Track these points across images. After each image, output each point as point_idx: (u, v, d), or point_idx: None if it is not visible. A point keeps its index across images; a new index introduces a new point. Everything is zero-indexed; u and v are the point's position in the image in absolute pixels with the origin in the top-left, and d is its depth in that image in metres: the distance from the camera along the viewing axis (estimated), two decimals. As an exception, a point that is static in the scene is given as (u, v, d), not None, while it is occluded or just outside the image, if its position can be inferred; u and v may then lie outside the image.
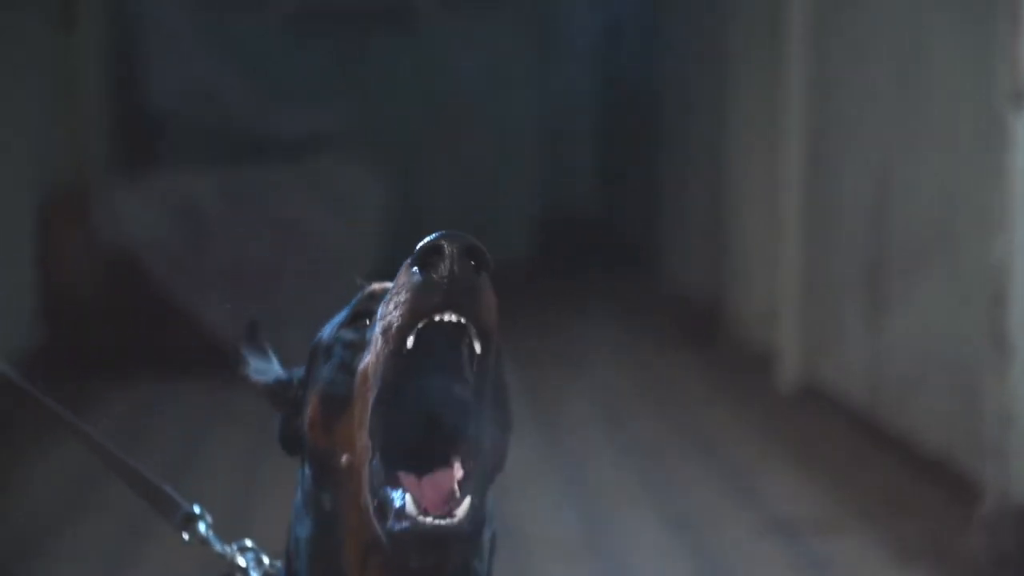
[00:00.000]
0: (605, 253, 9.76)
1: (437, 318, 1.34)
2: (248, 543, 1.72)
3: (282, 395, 1.58)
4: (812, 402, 5.85)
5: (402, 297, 1.36)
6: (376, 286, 1.51)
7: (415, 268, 1.35)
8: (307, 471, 1.50)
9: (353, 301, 1.52)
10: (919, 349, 4.89)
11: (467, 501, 1.36)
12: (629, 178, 10.00)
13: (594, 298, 8.66)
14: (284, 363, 1.68)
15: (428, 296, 1.34)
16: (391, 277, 1.41)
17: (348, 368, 1.45)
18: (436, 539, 1.34)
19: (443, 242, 1.35)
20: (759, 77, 6.58)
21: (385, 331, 1.37)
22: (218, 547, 1.73)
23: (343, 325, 1.50)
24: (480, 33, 9.28)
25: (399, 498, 1.34)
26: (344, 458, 1.42)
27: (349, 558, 1.44)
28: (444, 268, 1.34)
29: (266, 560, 1.70)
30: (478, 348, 1.37)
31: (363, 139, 8.13)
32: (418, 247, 1.35)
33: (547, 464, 5.07)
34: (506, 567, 4.21)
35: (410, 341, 1.35)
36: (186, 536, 1.77)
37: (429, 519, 1.33)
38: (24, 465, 5.00)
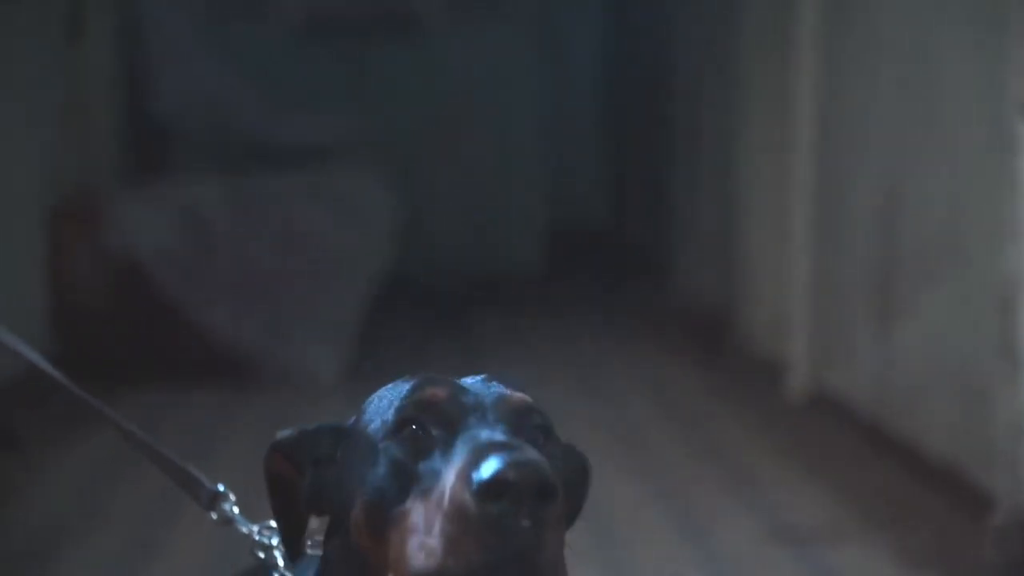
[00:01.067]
0: (613, 262, 9.77)
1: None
2: (273, 523, 1.72)
3: (313, 445, 1.52)
4: (821, 410, 5.84)
5: (457, 527, 1.30)
6: (428, 391, 1.45)
7: (476, 495, 1.29)
8: (350, 544, 1.45)
9: (403, 397, 1.46)
10: (928, 358, 4.89)
11: None
12: (637, 187, 10.00)
13: (602, 307, 8.67)
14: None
15: (488, 533, 1.28)
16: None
17: (393, 490, 1.39)
18: None
19: (509, 475, 1.28)
20: (769, 87, 6.59)
21: (441, 549, 1.31)
22: (243, 526, 1.75)
23: (390, 433, 1.44)
24: (486, 41, 9.29)
25: None
26: (391, 573, 1.39)
27: None
28: (510, 509, 1.28)
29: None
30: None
31: (370, 147, 8.14)
32: (483, 473, 1.29)
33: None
34: None
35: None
36: (213, 515, 1.79)
37: None
38: (36, 471, 5.00)
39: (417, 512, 1.35)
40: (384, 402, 1.48)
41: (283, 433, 1.55)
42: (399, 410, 1.44)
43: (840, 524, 4.45)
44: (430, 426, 1.41)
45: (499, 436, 1.36)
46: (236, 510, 1.79)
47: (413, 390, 1.45)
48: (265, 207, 6.89)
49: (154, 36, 7.88)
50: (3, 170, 6.09)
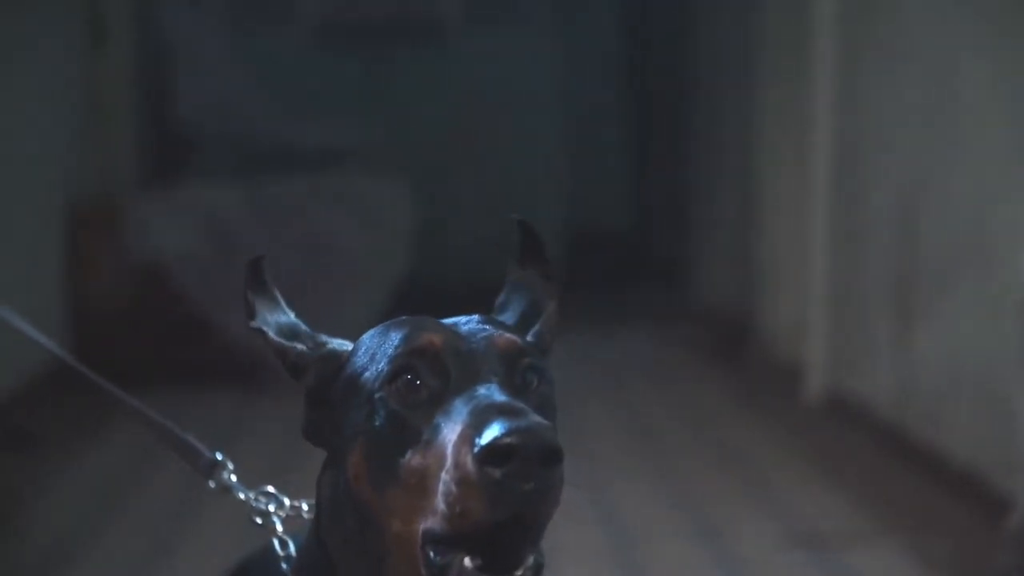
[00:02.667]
0: (632, 266, 9.76)
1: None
2: (270, 488, 1.74)
3: (302, 367, 1.53)
4: (840, 415, 5.83)
5: (462, 492, 1.31)
6: (423, 339, 1.44)
7: (479, 460, 1.30)
8: (346, 490, 1.46)
9: (395, 346, 1.46)
10: (948, 362, 4.87)
11: (530, 560, 1.36)
12: (657, 191, 9.99)
13: (621, 311, 8.66)
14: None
15: (496, 497, 1.30)
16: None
17: (392, 444, 1.40)
18: None
19: (512, 440, 1.29)
20: (788, 91, 6.57)
21: (448, 497, 1.32)
22: (241, 493, 1.76)
23: (384, 382, 1.43)
24: (505, 45, 9.29)
25: (456, 569, 1.33)
26: (395, 525, 1.39)
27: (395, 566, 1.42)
28: (514, 473, 1.30)
29: (287, 502, 1.73)
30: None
31: (389, 151, 8.14)
32: (486, 439, 1.30)
33: (571, 473, 5.06)
34: None
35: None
36: (212, 483, 1.80)
37: None
38: (53, 471, 5.02)
39: (418, 469, 1.36)
40: (375, 348, 1.47)
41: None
42: (393, 359, 1.43)
43: (858, 528, 4.44)
44: (425, 376, 1.41)
45: (498, 396, 1.37)
46: (234, 478, 1.81)
47: (406, 339, 1.44)
48: (284, 211, 6.90)
49: (175, 42, 7.90)
50: (25, 174, 6.12)
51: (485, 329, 1.49)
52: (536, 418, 1.34)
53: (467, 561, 1.32)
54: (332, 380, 1.49)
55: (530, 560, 1.35)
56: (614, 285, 9.40)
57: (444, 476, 1.32)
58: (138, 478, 5.04)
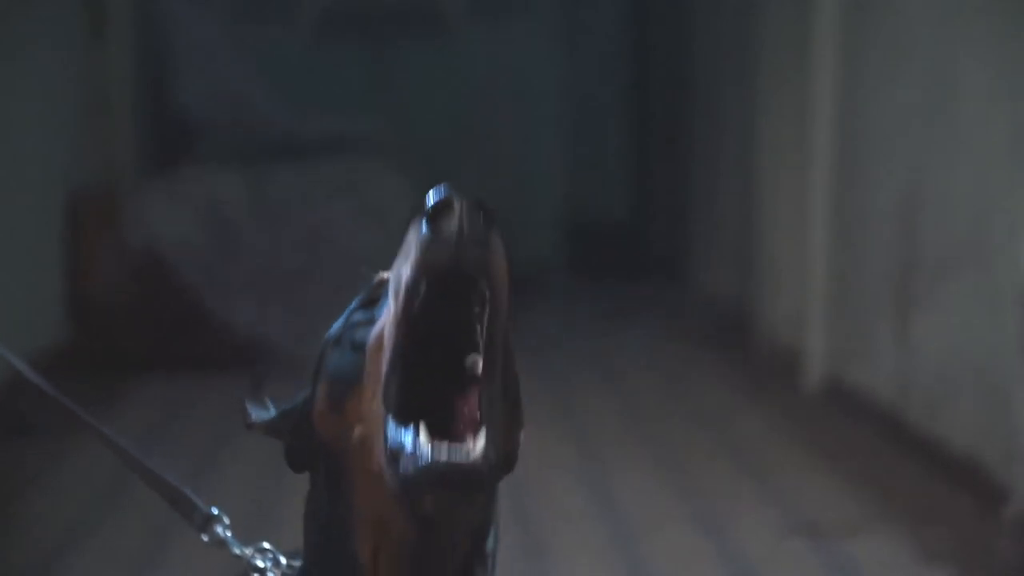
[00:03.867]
0: (633, 257, 9.76)
1: (448, 274, 1.32)
2: (266, 545, 1.73)
3: (286, 421, 1.56)
4: (839, 405, 5.83)
5: (411, 254, 1.34)
6: (384, 274, 1.48)
7: (423, 224, 1.33)
8: (318, 479, 1.47)
9: (361, 293, 1.51)
10: (948, 353, 4.88)
11: (483, 433, 1.32)
12: (657, 183, 9.99)
13: (622, 302, 8.67)
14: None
15: (438, 250, 1.32)
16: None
17: (358, 346, 1.43)
18: (452, 476, 1.30)
19: (451, 198, 1.33)
20: (789, 84, 6.57)
21: (396, 292, 1.35)
22: (236, 549, 1.75)
23: (349, 316, 1.48)
24: (508, 37, 9.28)
25: (411, 443, 1.31)
26: (356, 431, 1.40)
27: (363, 548, 1.42)
28: (453, 223, 1.32)
29: (283, 561, 1.71)
30: (488, 306, 1.34)
31: (390, 141, 8.14)
32: (426, 204, 1.34)
33: (573, 465, 5.07)
34: (529, 567, 4.24)
35: (421, 293, 1.33)
36: (205, 537, 1.79)
37: (444, 456, 1.30)
38: (52, 459, 5.02)
39: (373, 344, 1.38)
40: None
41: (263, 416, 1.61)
42: (357, 299, 1.49)
43: (858, 518, 4.45)
44: (382, 306, 1.43)
45: None
46: (228, 533, 1.79)
47: (367, 285, 1.49)
48: (285, 202, 6.90)
49: (175, 31, 7.90)
50: (25, 164, 6.12)
51: None
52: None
53: (422, 445, 1.30)
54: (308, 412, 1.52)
55: (483, 437, 1.31)
56: (615, 277, 9.41)
57: (395, 274, 1.36)
58: (128, 476, 5.04)
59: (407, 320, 1.34)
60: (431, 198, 1.33)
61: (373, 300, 1.47)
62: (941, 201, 4.98)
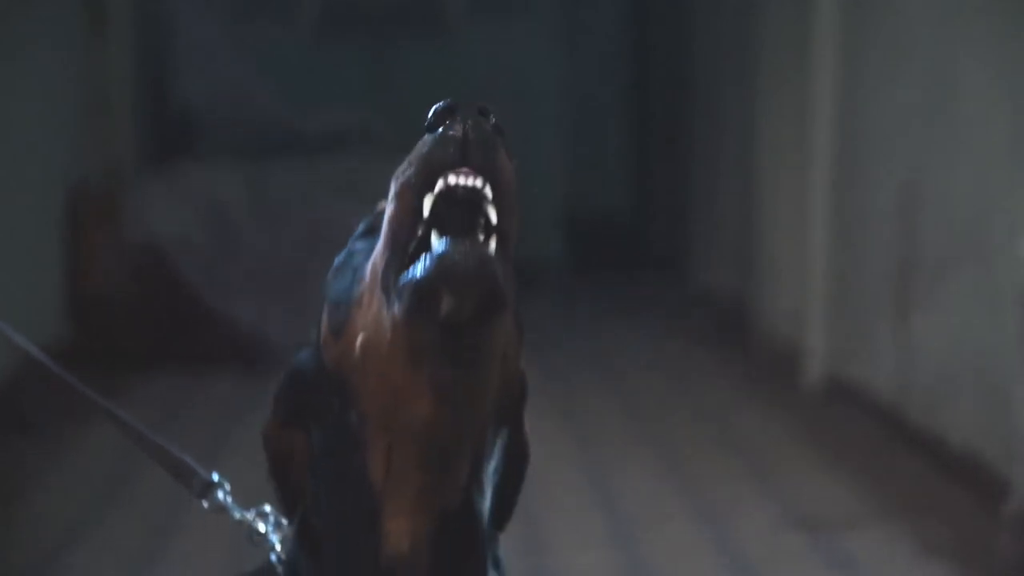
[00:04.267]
0: (633, 253, 9.77)
1: (453, 179, 1.32)
2: (267, 508, 1.74)
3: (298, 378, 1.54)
4: (839, 400, 5.83)
5: (417, 155, 1.35)
6: (384, 204, 1.47)
7: (430, 127, 1.35)
8: (324, 394, 1.46)
9: (364, 222, 1.52)
10: (947, 349, 4.88)
11: (494, 241, 1.33)
12: (657, 181, 10.00)
13: (621, 297, 8.67)
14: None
15: (443, 150, 1.33)
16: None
17: (360, 268, 1.42)
18: (468, 267, 1.29)
19: (456, 104, 1.34)
20: (789, 80, 6.57)
21: (400, 192, 1.35)
22: (236, 513, 1.76)
23: (352, 245, 1.50)
24: (508, 37, 9.29)
25: (424, 258, 1.31)
26: (359, 340, 1.39)
27: (374, 462, 1.42)
28: (458, 127, 1.33)
29: (285, 523, 1.73)
30: (495, 212, 1.34)
31: (390, 139, 8.14)
32: (432, 110, 1.35)
33: (573, 461, 5.07)
34: (529, 559, 4.23)
35: (427, 205, 1.32)
36: (205, 504, 1.80)
37: (462, 247, 1.30)
38: (52, 456, 5.02)
39: (372, 267, 1.39)
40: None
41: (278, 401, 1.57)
42: (360, 228, 1.51)
43: (857, 513, 4.45)
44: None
45: None
46: (229, 499, 1.80)
47: (372, 215, 1.50)
48: (285, 197, 6.90)
49: (176, 28, 7.90)
50: (25, 161, 6.12)
51: None
52: None
53: (433, 240, 1.31)
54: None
55: (493, 243, 1.32)
56: (615, 274, 9.41)
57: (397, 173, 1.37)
58: (137, 463, 5.04)
59: (411, 221, 1.33)
60: (436, 106, 1.35)
61: (374, 229, 1.46)
62: (941, 199, 4.98)
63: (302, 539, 1.53)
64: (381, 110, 8.42)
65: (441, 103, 1.35)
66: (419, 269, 1.30)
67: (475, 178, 1.32)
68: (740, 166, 7.47)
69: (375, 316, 1.37)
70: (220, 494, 1.80)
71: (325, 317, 1.46)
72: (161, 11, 7.86)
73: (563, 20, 9.61)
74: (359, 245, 1.48)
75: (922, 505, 4.48)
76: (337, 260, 1.50)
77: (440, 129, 1.34)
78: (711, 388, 6.35)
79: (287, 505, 1.56)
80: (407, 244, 1.34)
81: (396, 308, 1.33)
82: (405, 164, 1.37)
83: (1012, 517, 3.93)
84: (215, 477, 1.82)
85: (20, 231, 6.03)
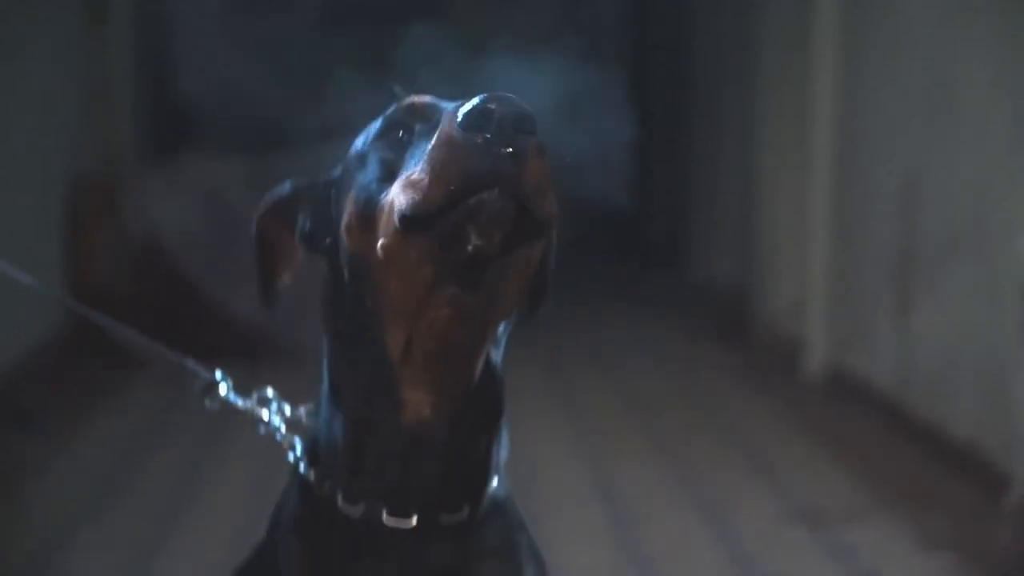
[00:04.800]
0: (633, 245, 9.76)
1: (486, 196, 1.34)
2: (269, 392, 1.78)
3: (308, 195, 1.66)
4: (840, 393, 5.84)
5: (444, 154, 1.35)
6: (416, 99, 1.54)
7: (462, 126, 1.34)
8: (342, 272, 1.53)
9: (388, 111, 1.55)
10: (948, 341, 4.88)
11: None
12: (657, 170, 9.99)
13: (622, 289, 8.66)
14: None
15: (474, 165, 1.34)
16: None
17: (382, 178, 1.47)
18: (497, 197, 1.34)
19: (491, 106, 1.34)
20: (790, 73, 6.56)
21: (436, 177, 1.36)
22: (241, 404, 1.80)
23: (376, 137, 1.53)
24: (509, 23, 9.28)
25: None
26: (384, 244, 1.43)
27: (393, 340, 1.48)
28: (492, 138, 1.34)
29: (288, 409, 1.77)
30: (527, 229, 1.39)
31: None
32: (467, 108, 1.34)
33: (573, 454, 5.07)
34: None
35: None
36: (208, 403, 1.84)
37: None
38: (51, 449, 5.02)
39: (404, 178, 1.41)
40: (368, 126, 1.59)
41: (278, 190, 1.68)
42: (384, 119, 1.55)
43: (858, 506, 4.45)
44: (414, 125, 1.50)
45: None
46: (232, 395, 1.85)
47: (397, 103, 1.56)
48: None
49: (176, 19, 7.89)
50: (25, 151, 6.11)
51: None
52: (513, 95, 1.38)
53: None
54: (328, 187, 1.62)
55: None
56: (614, 264, 9.40)
57: (429, 154, 1.37)
58: (138, 455, 5.05)
59: (435, 195, 1.36)
60: (475, 100, 1.35)
61: (398, 125, 1.52)
62: (941, 190, 4.98)
63: (331, 394, 1.59)
64: (382, 98, 8.42)
65: (478, 102, 1.34)
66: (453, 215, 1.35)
67: (506, 199, 1.35)
68: (741, 160, 7.47)
69: (396, 238, 1.42)
70: (223, 389, 1.85)
71: (351, 204, 1.51)
72: (161, 4, 7.85)
73: (564, 4, 9.62)
74: (381, 146, 1.51)
75: (923, 497, 4.47)
76: (360, 145, 1.57)
77: (479, 139, 1.34)
78: (712, 381, 6.34)
79: (263, 291, 1.69)
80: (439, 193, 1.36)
81: (424, 238, 1.38)
82: (433, 153, 1.37)
83: (1013, 509, 3.93)
84: (217, 375, 1.86)
85: (21, 225, 6.03)
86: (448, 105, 1.49)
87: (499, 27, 9.28)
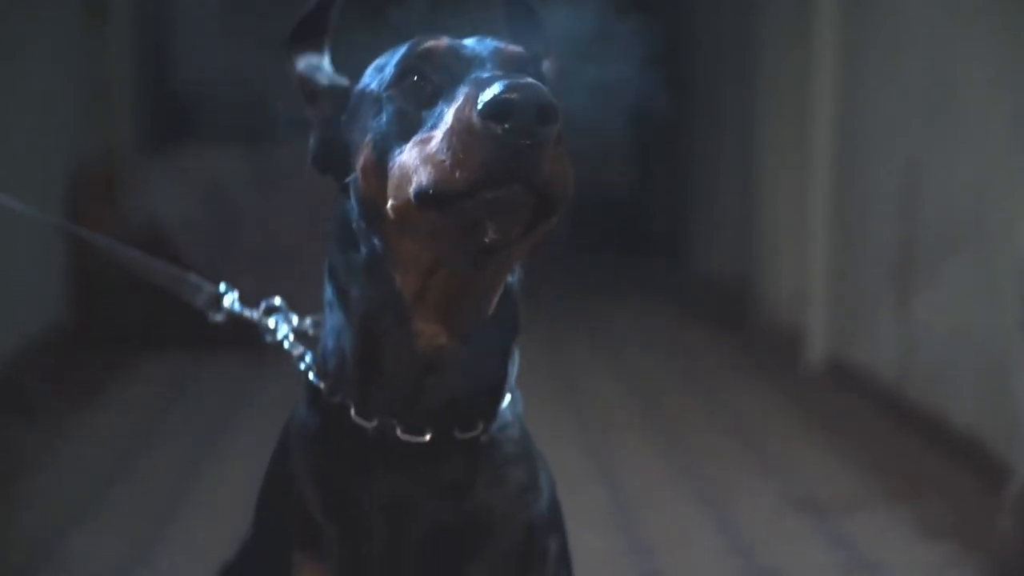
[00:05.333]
0: (634, 235, 9.76)
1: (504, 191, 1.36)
2: (276, 301, 1.80)
3: (316, 94, 1.66)
4: (841, 382, 5.84)
5: (464, 142, 1.36)
6: (431, 43, 1.53)
7: (482, 115, 1.35)
8: (354, 204, 1.56)
9: (402, 52, 1.54)
10: (949, 330, 4.88)
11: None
12: (658, 160, 9.98)
13: (623, 279, 8.66)
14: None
15: (494, 156, 1.35)
16: None
17: (397, 134, 1.47)
18: (513, 191, 1.37)
19: (511, 95, 1.34)
20: (790, 63, 6.56)
21: (450, 168, 1.37)
22: (248, 314, 1.82)
23: (392, 83, 1.52)
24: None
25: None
26: (398, 205, 1.46)
27: (405, 283, 1.51)
28: (513, 129, 1.34)
29: (295, 319, 1.79)
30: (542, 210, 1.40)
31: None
32: (488, 95, 1.34)
33: (574, 442, 5.07)
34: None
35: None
36: (215, 316, 1.85)
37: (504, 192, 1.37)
38: (53, 438, 5.03)
39: (421, 143, 1.43)
40: (384, 61, 1.58)
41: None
42: (399, 63, 1.53)
43: (859, 495, 4.45)
44: (429, 73, 1.49)
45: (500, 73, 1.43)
46: (237, 305, 1.86)
47: (412, 46, 1.54)
48: (287, 178, 6.89)
49: (176, 6, 7.87)
50: (26, 142, 6.11)
51: (491, 41, 1.57)
52: (533, 80, 1.38)
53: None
54: (343, 106, 1.61)
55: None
56: (616, 254, 9.40)
57: (447, 136, 1.38)
58: (139, 444, 5.05)
59: (451, 181, 1.37)
60: (496, 88, 1.35)
61: (412, 71, 1.51)
62: (942, 182, 4.97)
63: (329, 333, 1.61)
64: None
65: (499, 91, 1.34)
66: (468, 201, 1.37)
67: (526, 194, 1.37)
68: (742, 152, 7.47)
69: (407, 207, 1.44)
70: (228, 300, 1.87)
71: (368, 149, 1.52)
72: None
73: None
74: (396, 96, 1.51)
75: (923, 486, 4.48)
76: (374, 84, 1.56)
77: (499, 130, 1.34)
78: (713, 371, 6.35)
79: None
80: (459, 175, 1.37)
81: (439, 216, 1.40)
82: (451, 137, 1.38)
83: (1013, 499, 3.93)
84: (222, 287, 1.88)
85: (22, 216, 6.02)
86: (468, 46, 1.52)
87: (497, 10, 9.26)
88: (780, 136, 6.79)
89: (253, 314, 1.84)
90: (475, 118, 1.34)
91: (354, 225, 1.57)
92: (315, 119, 1.65)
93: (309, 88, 1.67)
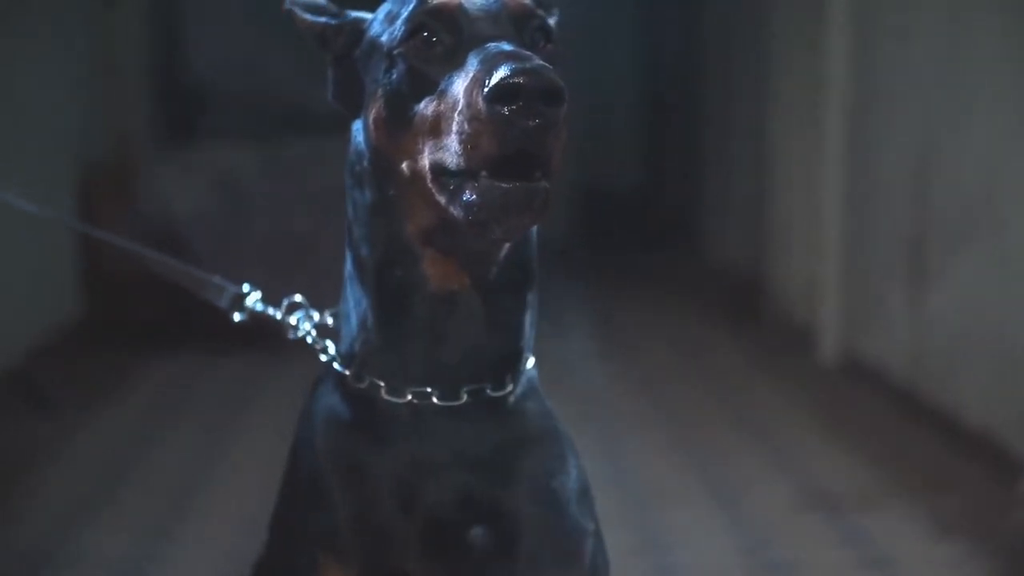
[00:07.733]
0: (646, 228, 9.75)
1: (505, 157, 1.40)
2: (297, 298, 1.82)
3: (328, 37, 1.67)
4: (853, 376, 5.83)
5: (473, 128, 1.40)
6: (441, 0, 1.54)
7: (488, 99, 1.39)
8: (364, 149, 1.59)
9: (412, 6, 1.55)
10: (961, 324, 4.87)
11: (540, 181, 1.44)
12: (670, 153, 9.98)
13: (634, 273, 8.66)
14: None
15: (501, 137, 1.39)
16: None
17: (408, 94, 1.51)
18: (519, 196, 1.42)
19: (519, 79, 1.38)
20: (802, 52, 6.55)
21: (460, 146, 1.41)
22: (271, 312, 1.84)
23: (402, 40, 1.54)
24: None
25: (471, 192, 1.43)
26: (406, 164, 1.51)
27: (413, 227, 1.55)
28: (520, 111, 1.38)
29: (316, 315, 1.80)
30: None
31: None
32: (495, 79, 1.38)
33: (585, 436, 5.08)
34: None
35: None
36: (237, 316, 1.86)
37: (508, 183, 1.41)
38: (68, 433, 5.04)
39: (432, 114, 1.47)
40: (394, 11, 1.58)
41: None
42: (409, 19, 1.54)
43: (872, 490, 4.44)
44: (440, 33, 1.52)
45: (507, 46, 1.46)
46: (259, 305, 1.88)
47: (422, 1, 1.55)
48: (299, 172, 6.89)
49: (189, 2, 7.88)
50: (38, 135, 6.12)
51: None
52: (540, 62, 1.42)
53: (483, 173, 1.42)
54: (355, 44, 1.63)
55: (540, 181, 1.44)
56: (627, 246, 9.40)
57: (457, 116, 1.42)
58: (153, 440, 5.06)
59: (465, 162, 1.42)
60: (503, 71, 1.38)
61: (421, 28, 1.52)
62: (954, 170, 4.96)
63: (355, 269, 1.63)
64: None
65: (507, 74, 1.38)
66: (477, 204, 1.42)
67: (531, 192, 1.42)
68: (753, 143, 7.46)
69: (421, 167, 1.48)
70: (250, 300, 1.88)
71: (380, 102, 1.56)
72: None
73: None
74: (408, 53, 1.53)
75: (936, 481, 4.47)
76: (385, 36, 1.57)
77: (505, 110, 1.38)
78: (725, 365, 6.34)
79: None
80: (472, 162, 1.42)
81: (451, 210, 1.44)
82: (460, 118, 1.42)
83: (1022, 492, 3.92)
84: (245, 288, 1.89)
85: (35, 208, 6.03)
86: (477, 1, 1.54)
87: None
88: (792, 128, 6.78)
89: (276, 312, 1.85)
90: (482, 103, 1.39)
91: (359, 168, 1.61)
92: (329, 58, 1.68)
93: (318, 30, 1.68)
